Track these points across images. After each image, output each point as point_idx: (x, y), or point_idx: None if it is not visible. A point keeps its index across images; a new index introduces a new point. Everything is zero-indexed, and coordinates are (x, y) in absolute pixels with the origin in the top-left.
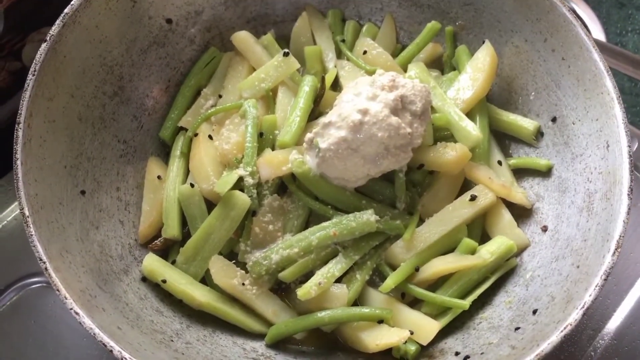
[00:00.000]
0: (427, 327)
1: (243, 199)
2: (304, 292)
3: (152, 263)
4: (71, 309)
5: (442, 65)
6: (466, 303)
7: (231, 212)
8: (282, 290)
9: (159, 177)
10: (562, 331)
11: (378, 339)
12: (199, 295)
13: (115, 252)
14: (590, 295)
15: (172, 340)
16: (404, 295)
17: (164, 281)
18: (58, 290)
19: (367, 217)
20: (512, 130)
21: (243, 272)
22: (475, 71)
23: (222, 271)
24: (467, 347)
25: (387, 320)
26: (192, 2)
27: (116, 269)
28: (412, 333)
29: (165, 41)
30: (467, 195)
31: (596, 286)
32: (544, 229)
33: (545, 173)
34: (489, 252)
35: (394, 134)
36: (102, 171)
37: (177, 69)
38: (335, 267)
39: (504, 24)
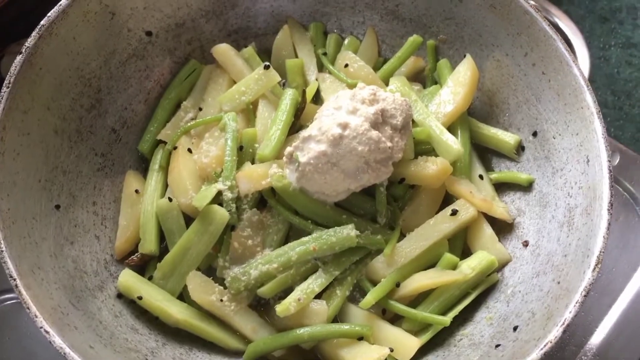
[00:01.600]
0: (407, 344)
1: (222, 214)
2: (282, 308)
3: (128, 279)
4: (41, 327)
5: (423, 79)
6: (447, 319)
7: (210, 226)
8: (261, 306)
9: (136, 191)
10: (542, 349)
11: (358, 356)
12: (176, 312)
13: (90, 268)
14: (570, 312)
15: (147, 359)
16: (384, 312)
17: (140, 298)
18: (28, 308)
19: (348, 232)
20: (494, 144)
21: (221, 288)
22: (456, 85)
23: (200, 287)
24: None
25: (367, 337)
26: (172, 14)
27: (91, 285)
28: (392, 350)
29: (144, 54)
30: (448, 210)
31: (576, 303)
32: (525, 244)
33: (526, 187)
34: (470, 267)
35: (374, 148)
36: (79, 185)
37: (156, 82)
38: (315, 282)
39: (485, 38)
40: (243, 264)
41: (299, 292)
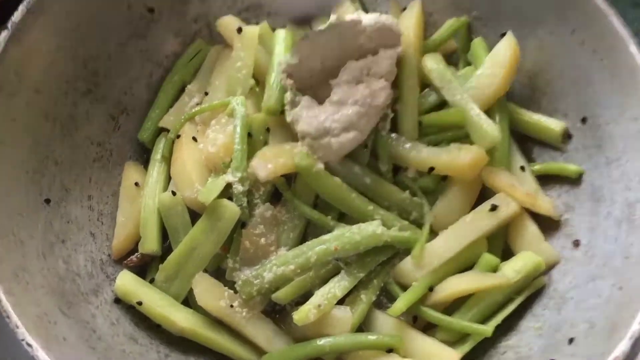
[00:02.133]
0: (444, 357)
1: (231, 209)
2: (301, 315)
3: (127, 282)
4: (23, 339)
5: (455, 61)
6: (489, 329)
7: (218, 223)
8: (276, 313)
9: (136, 184)
10: None
11: None
12: (180, 319)
13: (84, 270)
14: (639, 323)
15: None
16: (415, 319)
17: (140, 303)
18: (8, 317)
19: (373, 230)
20: (536, 132)
21: (232, 292)
22: (494, 66)
23: (208, 291)
24: None
25: (398, 348)
26: None
27: (84, 289)
28: None
29: (146, 33)
30: (486, 205)
31: None
32: (576, 243)
33: (575, 180)
34: (513, 269)
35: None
36: (72, 177)
37: (159, 64)
38: (337, 286)
39: (526, 14)
40: (255, 266)
41: (319, 297)
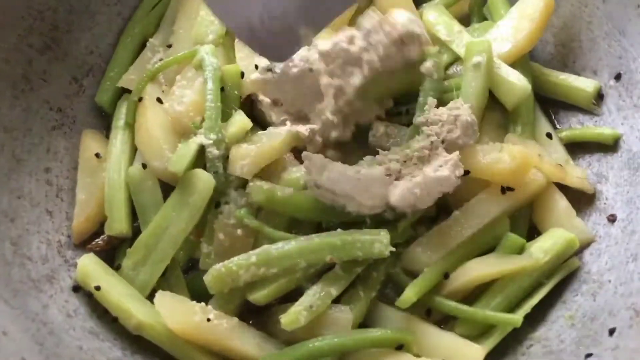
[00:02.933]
0: (468, 354)
1: (205, 179)
2: (290, 319)
3: (90, 265)
4: None
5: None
6: (518, 318)
7: (190, 197)
8: (250, 313)
9: (97, 155)
10: None
11: None
12: (139, 311)
13: (37, 253)
14: None
15: None
16: (429, 313)
17: (98, 288)
18: None
19: (379, 248)
20: (564, 94)
21: (202, 305)
22: (521, 18)
23: (176, 310)
24: None
25: (410, 345)
26: None
27: (35, 275)
28: None
29: None
30: None
31: None
32: (612, 218)
33: (608, 147)
34: (542, 249)
35: None
36: (26, 146)
37: (129, 20)
38: (332, 284)
39: None
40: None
41: (311, 296)
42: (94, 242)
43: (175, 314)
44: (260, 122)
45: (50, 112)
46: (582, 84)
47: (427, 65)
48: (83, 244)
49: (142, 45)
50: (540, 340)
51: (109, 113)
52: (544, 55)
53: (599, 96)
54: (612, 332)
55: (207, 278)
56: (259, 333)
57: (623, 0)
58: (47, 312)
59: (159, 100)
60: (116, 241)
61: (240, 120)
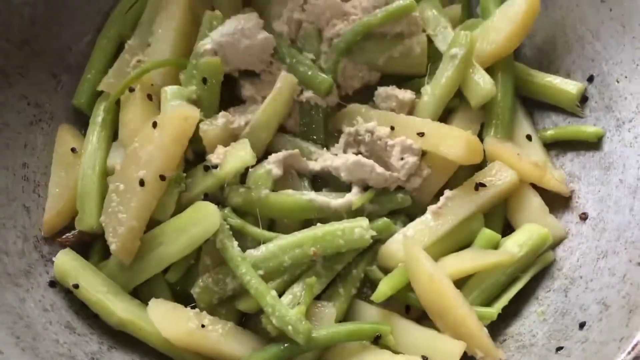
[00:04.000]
0: (447, 349)
1: (213, 219)
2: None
3: (67, 262)
4: None
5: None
6: (494, 311)
7: (194, 228)
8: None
9: (73, 149)
10: (629, 352)
11: None
12: (120, 308)
13: (13, 248)
14: None
15: None
16: (408, 309)
17: (77, 286)
18: None
19: (360, 233)
20: (548, 96)
21: (197, 310)
22: (503, 20)
23: (169, 318)
24: None
25: (388, 339)
26: None
27: (12, 269)
28: (426, 359)
29: None
30: (480, 175)
31: None
32: (583, 217)
33: (580, 146)
34: (517, 244)
35: None
36: (3, 140)
37: (110, 15)
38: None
39: None
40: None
41: (291, 296)
42: (64, 236)
43: (169, 322)
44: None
45: (28, 107)
46: (567, 86)
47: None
48: (53, 238)
49: (120, 46)
50: (513, 335)
51: (87, 114)
52: (519, 57)
53: (584, 99)
54: (582, 325)
55: (195, 290)
56: (255, 337)
57: (595, 4)
58: (24, 305)
59: (149, 97)
60: (87, 237)
61: (242, 157)
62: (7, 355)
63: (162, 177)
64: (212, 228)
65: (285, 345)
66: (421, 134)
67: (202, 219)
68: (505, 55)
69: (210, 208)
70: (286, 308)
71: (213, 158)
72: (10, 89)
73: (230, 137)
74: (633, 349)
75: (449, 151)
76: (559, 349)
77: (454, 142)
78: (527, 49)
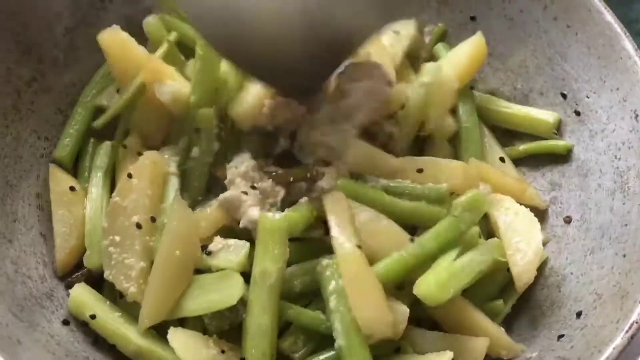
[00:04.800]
0: (474, 347)
1: (236, 291)
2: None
3: (84, 294)
4: None
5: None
6: (500, 303)
7: (213, 294)
8: None
9: (71, 188)
10: (627, 331)
11: None
12: (138, 337)
13: (35, 273)
14: None
15: None
16: (419, 323)
17: (93, 317)
18: None
19: None
20: (526, 127)
21: (215, 337)
22: (450, 64)
23: (189, 345)
24: None
25: (405, 348)
26: None
27: (36, 292)
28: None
29: (96, 21)
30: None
31: None
32: (568, 220)
33: (559, 157)
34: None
35: None
36: (17, 173)
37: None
38: None
39: None
40: None
41: None
42: (74, 276)
43: (190, 349)
44: None
45: (38, 141)
46: (543, 116)
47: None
48: (65, 277)
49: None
50: (513, 330)
51: (67, 168)
52: (495, 80)
53: (558, 127)
54: (579, 314)
55: (207, 315)
56: None
57: (563, 30)
58: (52, 326)
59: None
60: (97, 274)
61: (232, 262)
62: None
63: (153, 219)
64: (231, 301)
65: None
66: (420, 170)
67: (225, 288)
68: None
69: (235, 278)
70: None
71: (210, 246)
72: (22, 124)
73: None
74: (630, 327)
75: (450, 182)
76: (560, 336)
77: (452, 172)
78: (501, 73)
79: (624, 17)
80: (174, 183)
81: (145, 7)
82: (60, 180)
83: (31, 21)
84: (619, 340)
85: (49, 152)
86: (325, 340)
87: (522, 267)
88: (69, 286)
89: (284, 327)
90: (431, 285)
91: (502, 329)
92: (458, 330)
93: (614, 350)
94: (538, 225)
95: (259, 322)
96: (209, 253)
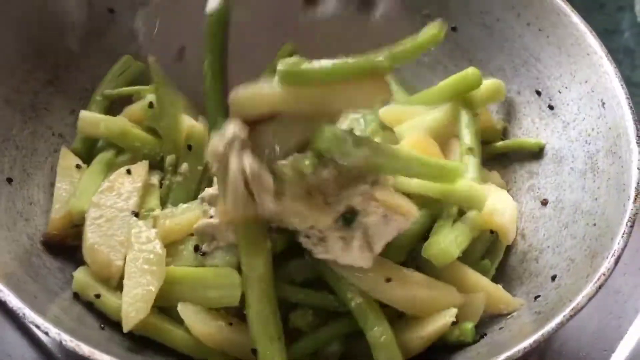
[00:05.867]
0: (510, 300)
1: (234, 290)
2: None
3: (87, 275)
4: None
5: None
6: (487, 262)
7: (211, 290)
8: None
9: (77, 165)
10: (595, 282)
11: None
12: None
13: (48, 249)
14: (618, 243)
15: None
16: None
17: (98, 296)
18: None
19: None
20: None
21: (222, 311)
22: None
23: (199, 316)
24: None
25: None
26: None
27: (50, 265)
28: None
29: (106, 32)
30: None
31: (623, 234)
32: (544, 202)
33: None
34: None
35: None
36: (33, 163)
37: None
38: None
39: (473, 7)
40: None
41: None
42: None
43: (199, 320)
44: None
45: (52, 137)
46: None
47: None
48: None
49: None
50: None
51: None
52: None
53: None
54: (554, 278)
55: None
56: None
57: (535, 34)
58: (65, 293)
59: None
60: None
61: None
62: (62, 319)
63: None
64: (234, 301)
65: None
66: None
67: (224, 286)
68: None
69: (234, 279)
70: None
71: (203, 247)
72: (38, 121)
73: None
74: (598, 279)
75: None
76: (537, 297)
77: None
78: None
79: None
80: (156, 195)
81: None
82: (68, 157)
83: (48, 30)
84: (588, 289)
85: (61, 147)
86: (332, 316)
87: (506, 221)
88: (48, 241)
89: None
90: (441, 247)
91: (499, 286)
92: (458, 290)
93: (583, 298)
94: (503, 190)
95: (258, 310)
96: (204, 254)
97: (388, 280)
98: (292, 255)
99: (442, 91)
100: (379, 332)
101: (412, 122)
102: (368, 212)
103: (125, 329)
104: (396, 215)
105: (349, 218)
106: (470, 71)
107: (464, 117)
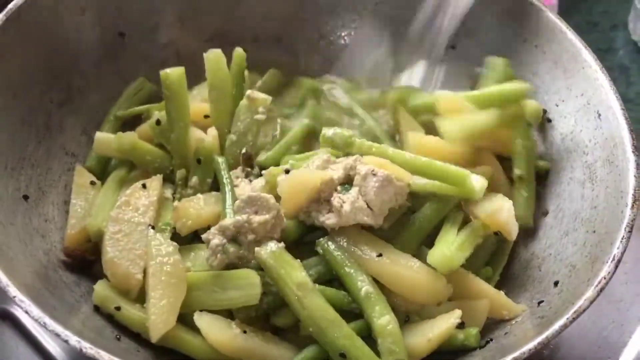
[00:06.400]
0: (513, 307)
1: (254, 290)
2: None
3: (107, 288)
4: (14, 296)
5: None
6: (489, 269)
7: (228, 292)
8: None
9: (92, 182)
10: (596, 286)
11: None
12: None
13: (65, 264)
14: (618, 248)
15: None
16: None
17: (118, 308)
18: None
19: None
20: None
21: (238, 320)
22: None
23: (214, 325)
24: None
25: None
26: (146, 16)
27: (67, 280)
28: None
29: (118, 55)
30: None
31: (622, 239)
32: (544, 213)
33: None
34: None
35: None
36: (48, 182)
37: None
38: None
39: (471, 24)
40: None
41: None
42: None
43: (214, 329)
44: None
45: (66, 156)
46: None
47: None
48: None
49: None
50: None
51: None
52: None
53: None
54: (556, 283)
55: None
56: (291, 346)
57: (531, 50)
58: (81, 307)
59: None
60: (89, 254)
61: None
62: (79, 329)
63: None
64: (254, 300)
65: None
66: None
67: (244, 286)
68: None
69: (254, 278)
70: None
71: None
72: (52, 140)
73: None
74: (599, 283)
75: None
76: (540, 302)
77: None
78: None
79: None
80: (170, 209)
81: (161, 44)
82: (83, 175)
83: (62, 54)
84: (589, 293)
85: (74, 166)
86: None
87: (507, 220)
88: (68, 256)
89: None
90: (445, 254)
91: (502, 292)
92: (460, 297)
93: (585, 301)
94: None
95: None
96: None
97: (379, 255)
98: (304, 254)
99: (490, 97)
100: (385, 321)
101: (462, 118)
102: (365, 176)
103: (154, 339)
104: (392, 180)
105: (347, 187)
106: (520, 83)
107: (521, 140)
